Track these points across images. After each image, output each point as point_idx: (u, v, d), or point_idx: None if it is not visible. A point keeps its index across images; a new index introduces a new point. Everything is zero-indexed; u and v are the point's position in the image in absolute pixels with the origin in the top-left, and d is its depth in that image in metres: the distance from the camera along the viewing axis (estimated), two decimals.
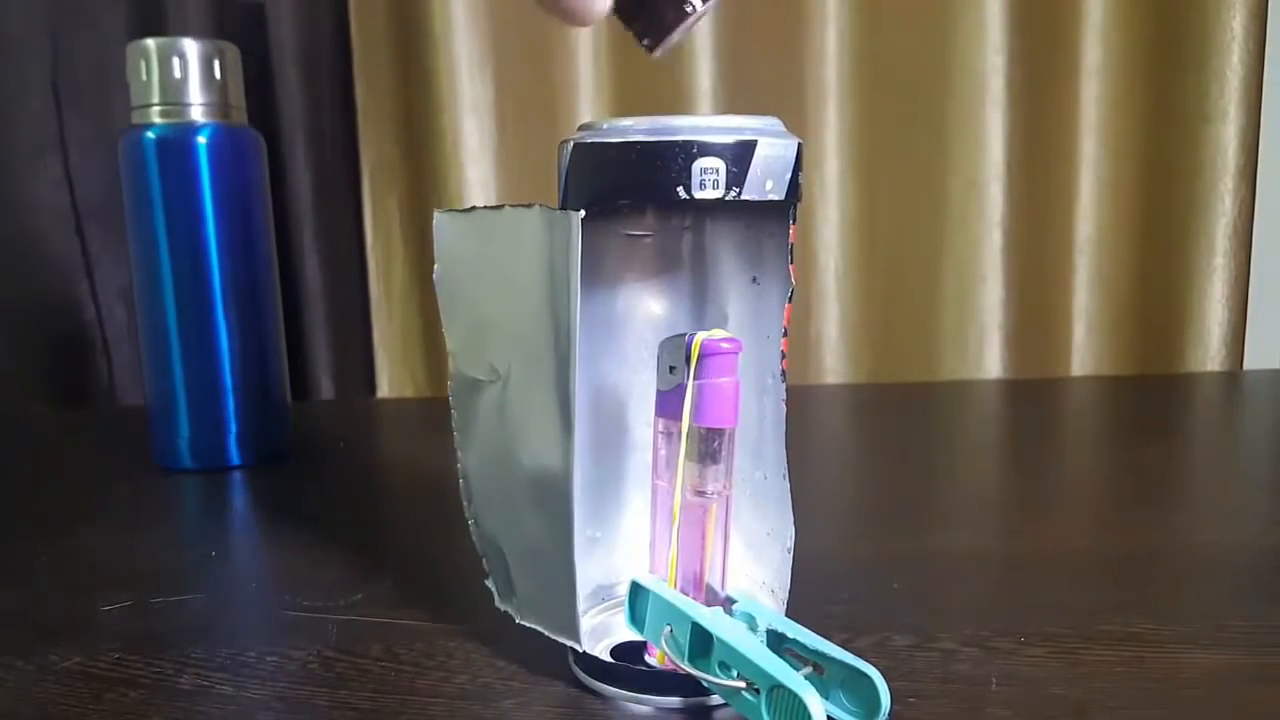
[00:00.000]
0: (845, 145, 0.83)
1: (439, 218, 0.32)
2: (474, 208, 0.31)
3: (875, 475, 0.57)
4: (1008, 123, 0.82)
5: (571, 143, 0.28)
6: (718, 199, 0.27)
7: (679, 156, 0.26)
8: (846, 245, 0.85)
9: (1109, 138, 0.83)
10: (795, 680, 0.24)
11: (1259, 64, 0.80)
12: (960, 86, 0.82)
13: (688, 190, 0.26)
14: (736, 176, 0.27)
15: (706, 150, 0.26)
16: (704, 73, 0.80)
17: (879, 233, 0.84)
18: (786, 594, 0.32)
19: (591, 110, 0.81)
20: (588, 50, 0.81)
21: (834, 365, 0.86)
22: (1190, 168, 0.82)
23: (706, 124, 0.27)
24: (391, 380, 0.85)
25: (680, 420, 0.27)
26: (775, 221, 0.31)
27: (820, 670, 0.26)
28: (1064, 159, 0.83)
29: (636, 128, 0.27)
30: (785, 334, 0.31)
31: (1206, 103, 0.81)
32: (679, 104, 0.80)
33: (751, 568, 0.33)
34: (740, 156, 0.27)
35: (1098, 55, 0.82)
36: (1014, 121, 0.82)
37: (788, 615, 0.31)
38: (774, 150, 0.27)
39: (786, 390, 0.31)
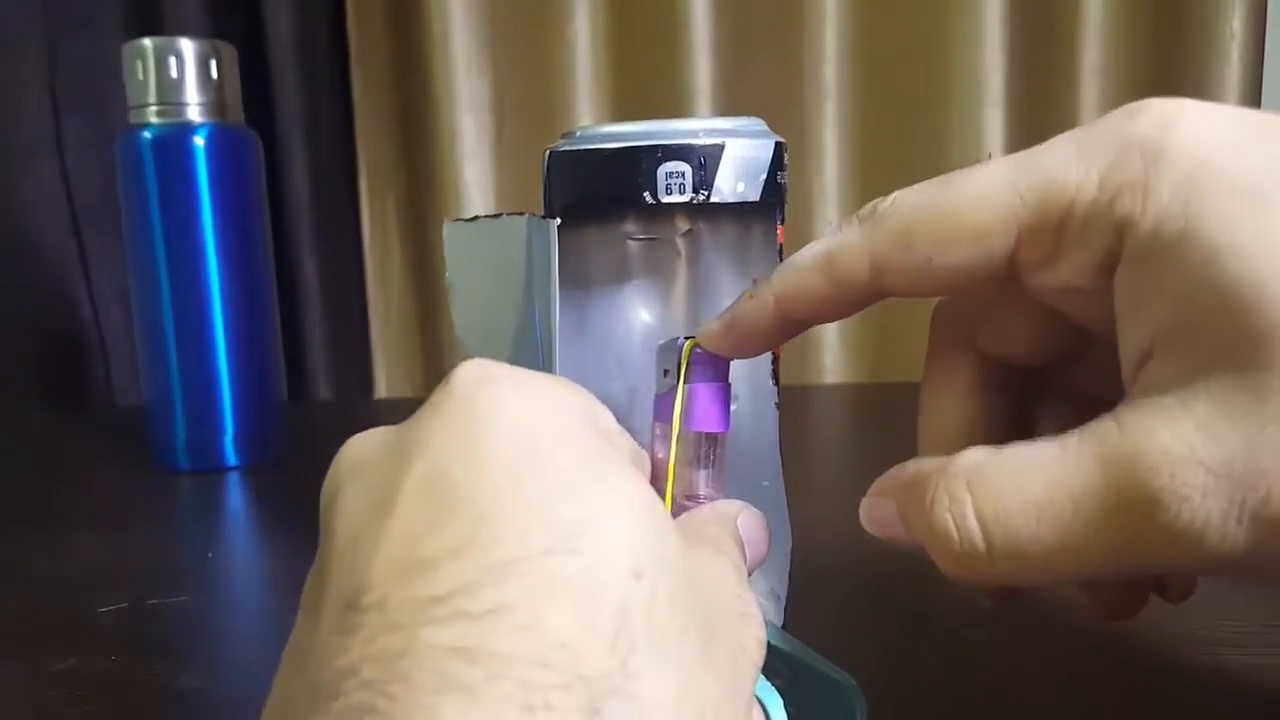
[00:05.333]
0: (844, 144, 0.83)
1: (448, 228, 0.34)
2: (477, 217, 0.32)
3: (872, 475, 0.57)
4: (1007, 122, 0.82)
5: (549, 151, 0.28)
6: (685, 203, 0.27)
7: (644, 162, 0.26)
8: None
9: None
10: (764, 689, 0.23)
11: (1258, 64, 0.80)
12: (959, 85, 0.81)
13: (654, 195, 0.27)
14: (704, 180, 0.27)
15: (671, 154, 0.27)
16: (702, 72, 0.80)
17: None
18: (786, 598, 0.32)
19: (590, 108, 0.81)
20: (585, 49, 0.81)
21: (833, 365, 0.86)
22: None
23: (674, 128, 0.27)
24: (389, 380, 0.85)
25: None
26: (774, 222, 0.31)
27: (798, 680, 0.26)
28: None
29: (607, 134, 0.27)
30: None
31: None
32: (677, 103, 0.80)
33: (760, 572, 0.33)
34: (707, 159, 0.27)
35: (1097, 55, 0.81)
36: (1013, 120, 0.82)
37: (785, 616, 0.31)
38: (745, 151, 0.27)
39: (779, 393, 0.31)
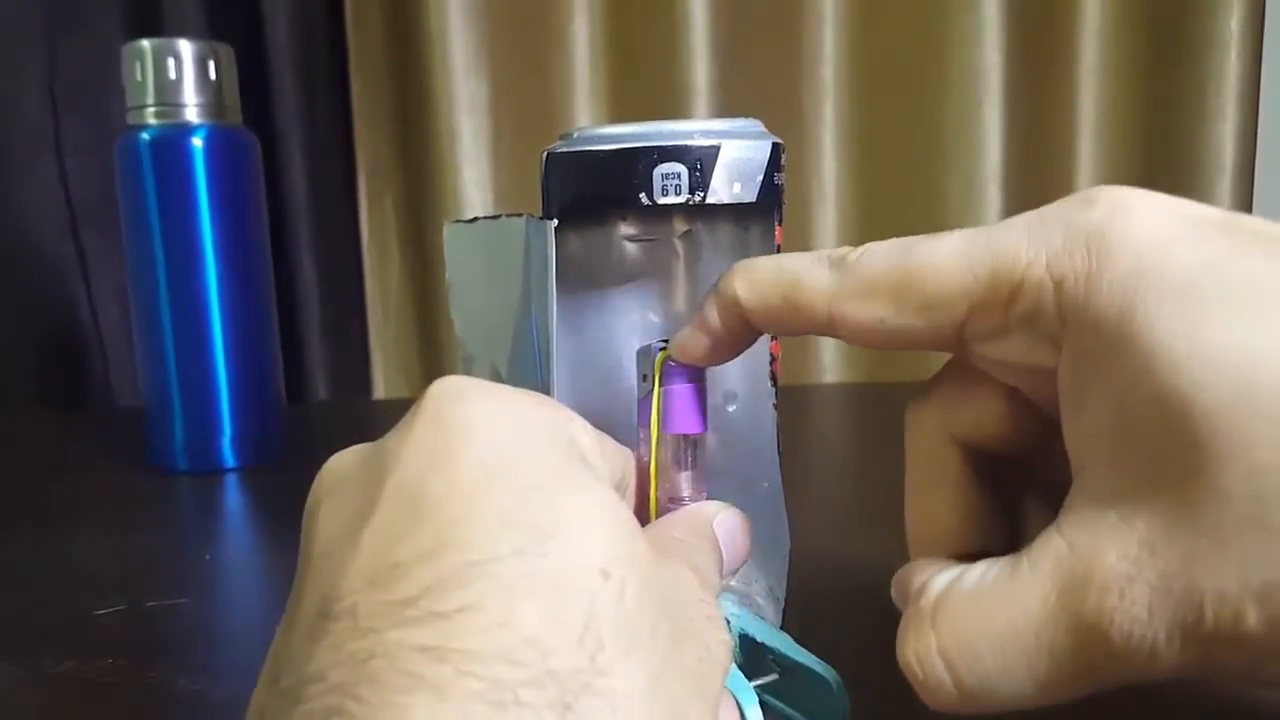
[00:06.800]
0: (842, 144, 0.83)
1: (448, 229, 0.34)
2: (476, 218, 0.32)
3: (871, 475, 0.57)
4: (1005, 122, 0.82)
5: (546, 153, 0.28)
6: (681, 204, 0.27)
7: (639, 163, 0.27)
8: (843, 244, 0.84)
9: (1106, 137, 0.83)
10: (740, 686, 0.23)
11: (1256, 62, 0.80)
12: (958, 85, 0.81)
13: (650, 197, 0.27)
14: (700, 181, 0.27)
15: (667, 156, 0.27)
16: (700, 72, 0.80)
17: (876, 232, 0.83)
18: (785, 598, 0.32)
19: (588, 109, 0.81)
20: (584, 49, 0.81)
21: (831, 364, 0.86)
22: (1188, 167, 0.82)
23: (670, 129, 0.27)
24: (387, 381, 0.85)
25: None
26: (772, 223, 0.31)
27: (786, 676, 0.26)
28: (1062, 158, 0.83)
29: (604, 135, 0.27)
30: (774, 336, 0.31)
31: (1204, 101, 0.81)
32: (675, 104, 0.80)
33: (752, 571, 0.33)
34: (703, 161, 0.27)
35: (1095, 54, 0.82)
36: (1011, 121, 0.82)
37: (783, 617, 0.31)
38: (741, 153, 0.27)
39: (777, 393, 0.31)
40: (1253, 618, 0.16)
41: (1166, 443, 0.17)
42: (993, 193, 0.83)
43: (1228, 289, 0.17)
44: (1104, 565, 0.17)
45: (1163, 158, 0.83)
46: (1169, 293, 0.17)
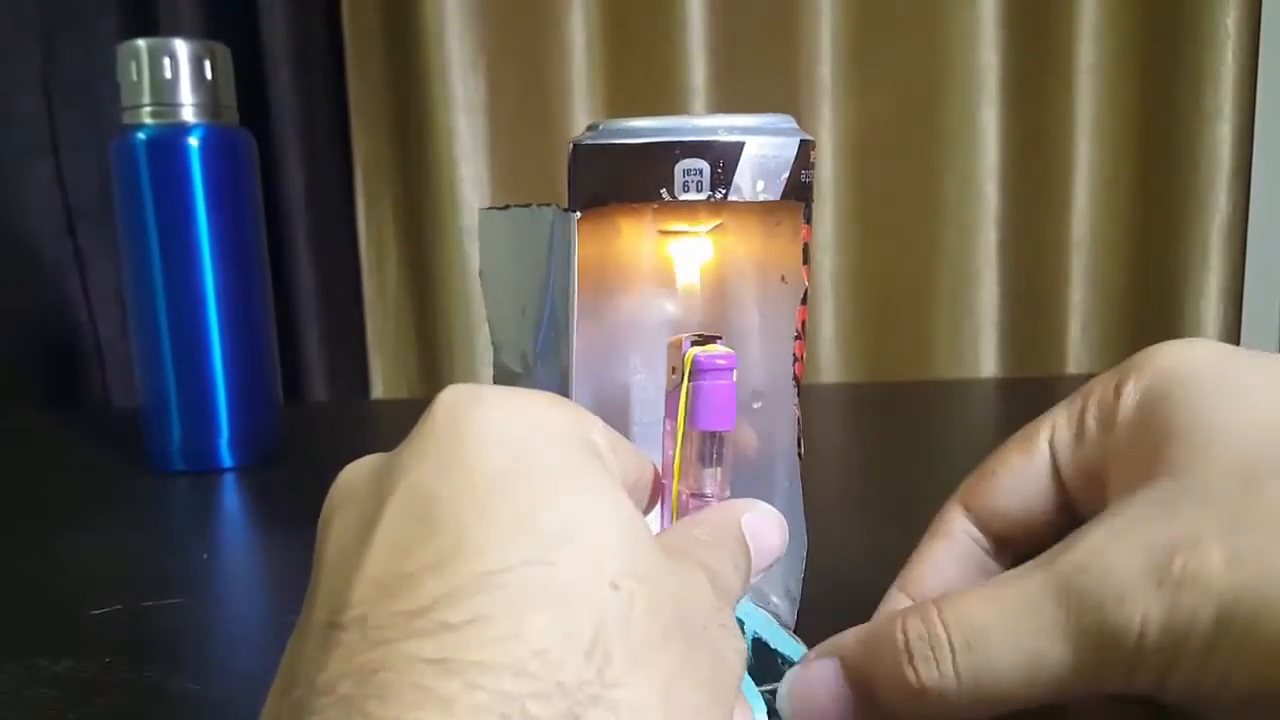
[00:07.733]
0: (840, 143, 0.83)
1: (481, 214, 0.34)
2: (508, 205, 0.32)
3: (869, 474, 0.57)
4: (1002, 121, 0.82)
5: (573, 144, 0.28)
6: (702, 201, 0.27)
7: (662, 158, 0.26)
8: (841, 243, 0.84)
9: (1104, 136, 0.83)
10: (750, 692, 0.23)
11: (1253, 61, 0.80)
12: (955, 84, 0.81)
13: (671, 193, 0.26)
14: (722, 178, 0.27)
15: (689, 151, 0.26)
16: (698, 71, 0.80)
17: (873, 231, 0.84)
18: (800, 597, 0.32)
19: (585, 108, 0.81)
20: (581, 48, 0.80)
21: (828, 364, 0.86)
22: (1185, 165, 0.82)
23: (696, 124, 0.27)
24: (385, 381, 0.85)
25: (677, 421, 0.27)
26: (799, 221, 0.31)
27: None
28: (1059, 157, 0.83)
29: (630, 128, 0.27)
30: (798, 336, 0.31)
31: (1201, 100, 0.81)
32: (672, 102, 0.80)
33: (777, 571, 0.33)
34: (726, 157, 0.26)
35: (1092, 53, 0.82)
36: (1008, 119, 0.82)
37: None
38: (766, 150, 0.27)
39: (800, 393, 0.31)
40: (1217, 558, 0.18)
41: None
42: (990, 191, 0.83)
43: None
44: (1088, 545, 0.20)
45: (1160, 157, 0.83)
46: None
